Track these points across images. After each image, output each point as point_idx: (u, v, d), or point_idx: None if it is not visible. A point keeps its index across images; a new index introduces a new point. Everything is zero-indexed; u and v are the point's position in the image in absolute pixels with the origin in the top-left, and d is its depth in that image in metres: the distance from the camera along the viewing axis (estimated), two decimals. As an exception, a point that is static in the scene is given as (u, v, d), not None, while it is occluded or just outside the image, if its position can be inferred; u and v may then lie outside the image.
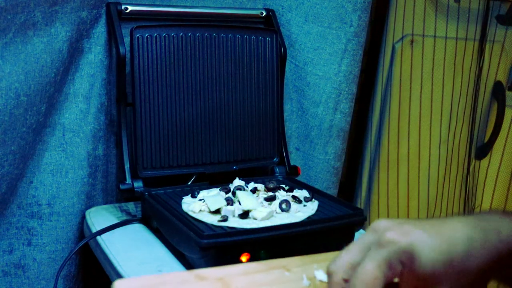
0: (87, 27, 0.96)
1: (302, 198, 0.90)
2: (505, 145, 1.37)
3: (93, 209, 1.00)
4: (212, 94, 1.00)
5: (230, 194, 0.89)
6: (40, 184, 0.96)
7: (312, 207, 0.88)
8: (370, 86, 1.38)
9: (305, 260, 0.63)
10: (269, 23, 1.10)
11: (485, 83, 1.37)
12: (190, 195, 0.91)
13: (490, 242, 0.47)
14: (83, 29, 0.95)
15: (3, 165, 0.89)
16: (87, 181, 0.99)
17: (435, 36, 1.31)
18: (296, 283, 0.58)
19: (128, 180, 0.95)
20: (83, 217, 0.98)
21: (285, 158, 1.08)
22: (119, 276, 0.78)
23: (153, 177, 0.98)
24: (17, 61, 0.86)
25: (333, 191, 1.19)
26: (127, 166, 0.96)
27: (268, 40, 1.05)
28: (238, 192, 0.88)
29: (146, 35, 0.94)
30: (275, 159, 1.07)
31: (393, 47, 1.31)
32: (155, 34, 0.95)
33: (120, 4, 0.97)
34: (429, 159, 1.38)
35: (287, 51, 1.09)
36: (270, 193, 0.90)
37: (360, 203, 1.40)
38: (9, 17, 0.84)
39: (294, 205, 0.88)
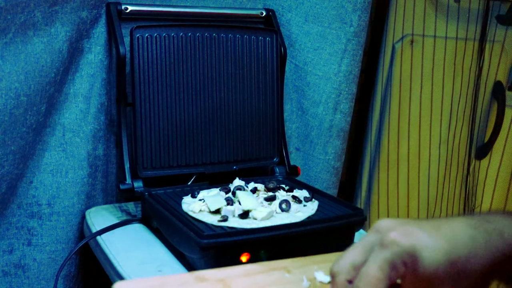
0: (87, 27, 0.96)
1: (302, 198, 0.90)
2: (505, 145, 1.37)
3: (93, 209, 1.00)
4: (212, 94, 1.00)
5: (230, 194, 0.89)
6: (40, 184, 0.96)
7: (312, 207, 0.88)
8: (370, 86, 1.38)
9: (305, 262, 0.63)
10: (269, 23, 1.10)
11: (485, 83, 1.37)
12: (190, 195, 0.91)
13: (493, 244, 0.47)
14: (83, 29, 0.95)
15: (3, 165, 0.89)
16: (87, 181, 0.99)
17: (435, 36, 1.31)
18: (296, 285, 0.58)
19: (128, 180, 0.95)
20: (83, 217, 0.98)
21: (285, 158, 1.08)
22: (119, 276, 0.78)
23: (153, 177, 0.98)
24: (17, 61, 0.86)
25: (333, 191, 1.19)
26: (127, 166, 0.96)
27: (268, 40, 1.05)
28: (238, 192, 0.88)
29: (146, 35, 0.94)
30: (275, 159, 1.07)
31: (393, 47, 1.31)
32: (155, 34, 0.95)
33: (120, 4, 0.97)
34: (429, 159, 1.38)
35: (287, 51, 1.09)
36: (270, 193, 0.90)
37: (360, 203, 1.40)
38: (9, 17, 0.84)
39: (294, 205, 0.88)
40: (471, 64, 1.35)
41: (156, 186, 0.95)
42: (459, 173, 1.41)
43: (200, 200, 0.87)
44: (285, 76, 1.10)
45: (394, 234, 0.46)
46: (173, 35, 0.97)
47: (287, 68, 1.10)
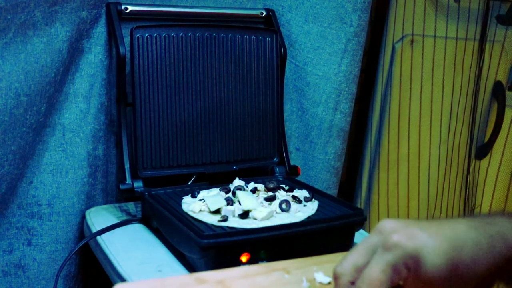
0: (87, 27, 0.96)
1: (302, 198, 0.90)
2: (505, 145, 1.37)
3: (93, 209, 1.00)
4: (212, 94, 1.00)
5: (230, 194, 0.89)
6: (40, 184, 0.96)
7: (312, 207, 0.89)
8: (370, 86, 1.38)
9: (305, 262, 0.63)
10: (269, 23, 1.10)
11: (485, 83, 1.37)
12: (190, 195, 0.91)
13: (495, 247, 0.47)
14: (83, 29, 0.95)
15: (3, 165, 0.89)
16: (87, 181, 0.99)
17: (435, 36, 1.31)
18: (296, 285, 0.58)
19: (128, 180, 0.95)
20: (83, 217, 0.98)
21: (285, 158, 1.08)
22: (119, 276, 0.78)
23: (153, 177, 0.98)
24: (17, 61, 0.86)
25: (333, 191, 1.19)
26: (127, 166, 0.96)
27: (268, 40, 1.05)
28: (238, 192, 0.88)
29: (146, 35, 0.94)
30: (275, 159, 1.07)
31: (393, 47, 1.31)
32: (155, 34, 0.95)
33: (120, 4, 0.97)
34: (429, 159, 1.38)
35: (287, 51, 1.09)
36: (270, 193, 0.90)
37: (360, 203, 1.40)
38: (9, 17, 0.84)
39: (294, 205, 0.88)
40: (471, 64, 1.35)
41: (156, 186, 0.95)
42: (459, 173, 1.41)
43: (200, 200, 0.87)
44: (285, 76, 1.10)
45: (397, 236, 0.46)
46: (173, 35, 0.97)
47: (287, 68, 1.10)
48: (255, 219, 0.82)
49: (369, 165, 1.38)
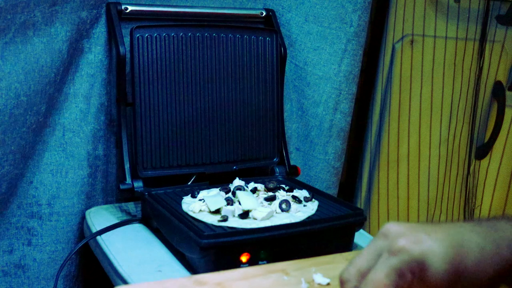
0: (87, 27, 0.96)
1: (302, 198, 0.90)
2: (505, 145, 1.37)
3: (93, 209, 1.00)
4: (212, 94, 1.00)
5: (230, 194, 0.89)
6: (40, 184, 0.96)
7: (312, 207, 0.89)
8: (370, 86, 1.38)
9: (304, 264, 0.63)
10: (269, 23, 1.10)
11: (485, 83, 1.37)
12: (190, 195, 0.91)
13: (501, 254, 0.47)
14: (83, 29, 0.95)
15: (3, 165, 0.89)
16: (87, 181, 0.99)
17: (435, 36, 1.31)
18: (295, 287, 0.58)
19: (128, 180, 0.95)
20: (83, 217, 0.98)
21: (285, 158, 1.08)
22: (119, 276, 0.78)
23: (153, 177, 0.98)
24: (17, 61, 0.86)
25: (333, 191, 1.19)
26: (127, 166, 0.96)
27: (268, 40, 1.05)
28: (238, 192, 0.88)
29: (146, 35, 0.94)
30: (275, 159, 1.07)
31: (393, 47, 1.31)
32: (155, 34, 0.95)
33: (120, 4, 0.97)
34: (429, 159, 1.38)
35: (287, 51, 1.09)
36: (270, 193, 0.91)
37: (360, 203, 1.40)
38: (9, 17, 0.84)
39: (294, 205, 0.88)
40: (471, 64, 1.35)
41: (156, 186, 0.96)
42: (459, 173, 1.41)
43: (200, 200, 0.87)
44: (285, 76, 1.10)
45: (403, 241, 0.46)
46: (173, 35, 0.97)
47: (287, 68, 1.10)
48: (255, 219, 0.82)
49: (369, 165, 1.38)
